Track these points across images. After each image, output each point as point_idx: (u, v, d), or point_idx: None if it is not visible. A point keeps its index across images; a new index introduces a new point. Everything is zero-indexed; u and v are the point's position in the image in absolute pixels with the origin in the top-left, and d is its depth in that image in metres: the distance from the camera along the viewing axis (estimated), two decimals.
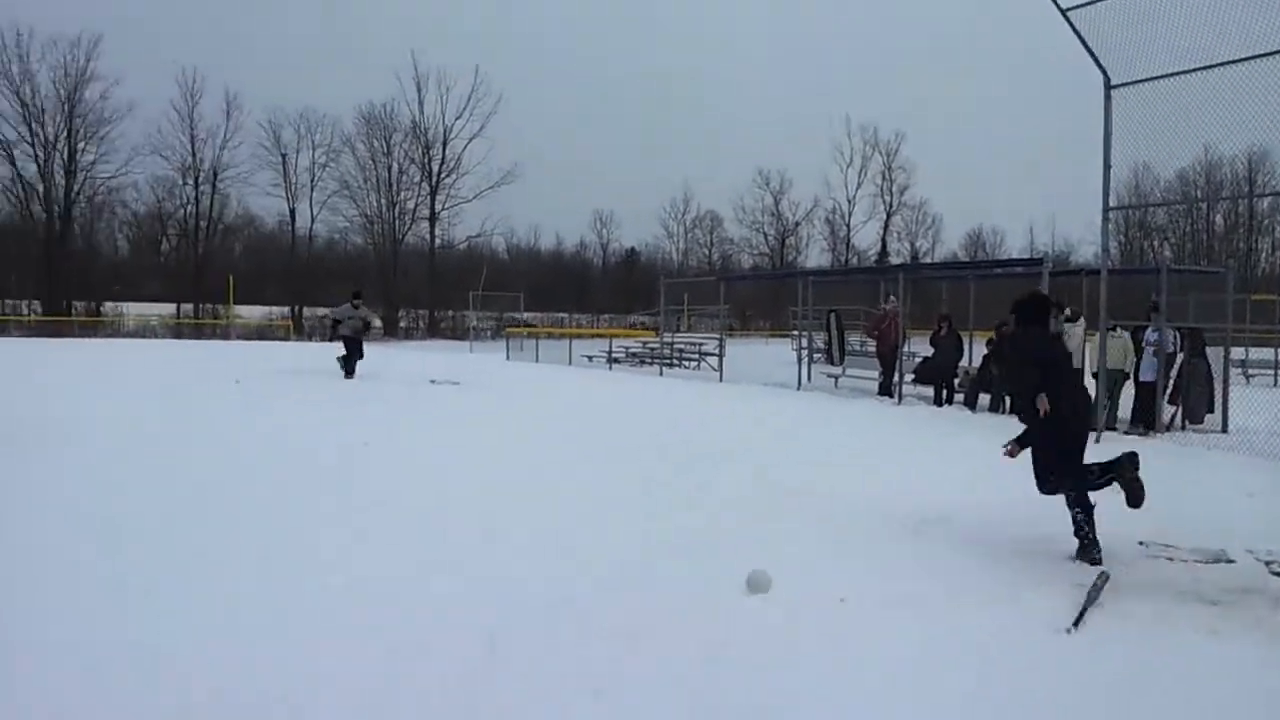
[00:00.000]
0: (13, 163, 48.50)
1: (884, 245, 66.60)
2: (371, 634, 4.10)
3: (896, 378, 16.28)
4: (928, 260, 58.76)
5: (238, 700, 3.40)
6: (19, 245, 49.21)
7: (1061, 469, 5.88)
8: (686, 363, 26.02)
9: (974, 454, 9.93)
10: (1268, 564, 5.82)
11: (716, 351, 23.15)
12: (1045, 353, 6.00)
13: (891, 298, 17.20)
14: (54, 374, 17.60)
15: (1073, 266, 30.40)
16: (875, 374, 18.60)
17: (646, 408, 14.66)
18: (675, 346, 26.96)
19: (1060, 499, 5.90)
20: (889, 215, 66.98)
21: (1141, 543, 6.27)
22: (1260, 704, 3.69)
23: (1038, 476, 6.01)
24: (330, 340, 19.06)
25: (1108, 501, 7.38)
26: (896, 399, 15.78)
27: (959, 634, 4.36)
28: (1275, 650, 4.31)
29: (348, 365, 18.05)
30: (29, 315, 46.28)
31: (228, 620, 4.25)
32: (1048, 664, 4.03)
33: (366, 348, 18.55)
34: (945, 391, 15.69)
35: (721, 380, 20.41)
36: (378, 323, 18.42)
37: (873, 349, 18.07)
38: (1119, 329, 13.06)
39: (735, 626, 4.34)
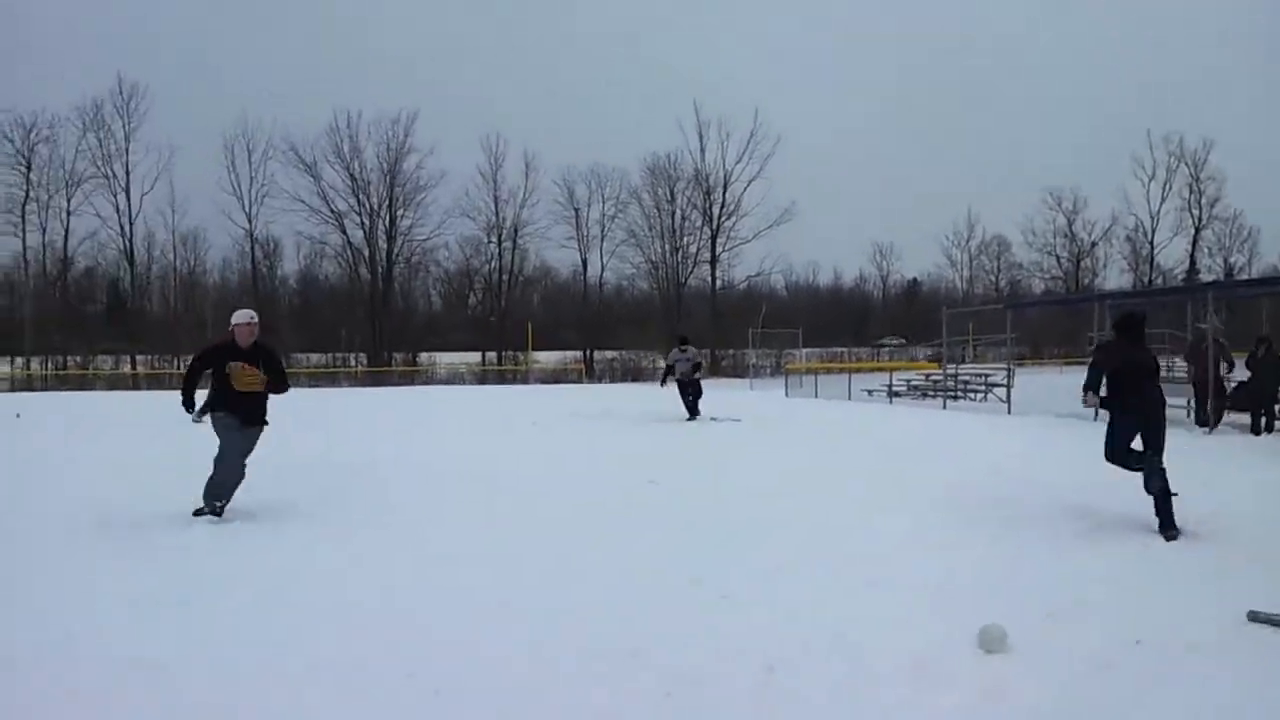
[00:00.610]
0: (343, 231, 54.54)
1: (1192, 262, 61.53)
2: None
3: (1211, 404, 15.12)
4: (1243, 276, 53.66)
5: None
6: (348, 304, 55.24)
7: None
8: (972, 394, 25.20)
9: None
10: None
11: (1004, 382, 22.32)
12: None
13: (1210, 315, 15.97)
14: (382, 418, 19.44)
15: None
16: (1186, 402, 17.39)
17: (928, 442, 14.41)
18: (960, 378, 26.18)
19: None
20: (1198, 230, 61.84)
21: None
22: None
23: None
24: (662, 385, 19.83)
25: None
26: (1209, 428, 14.64)
27: None
28: None
29: (690, 406, 18.47)
30: (356, 367, 51.31)
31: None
32: None
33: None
34: (1264, 418, 14.44)
35: (1010, 412, 19.64)
36: (703, 363, 19.13)
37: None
38: None
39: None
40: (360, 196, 53.92)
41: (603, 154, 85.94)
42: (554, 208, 57.36)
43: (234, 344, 7.85)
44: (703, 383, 18.85)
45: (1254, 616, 4.77)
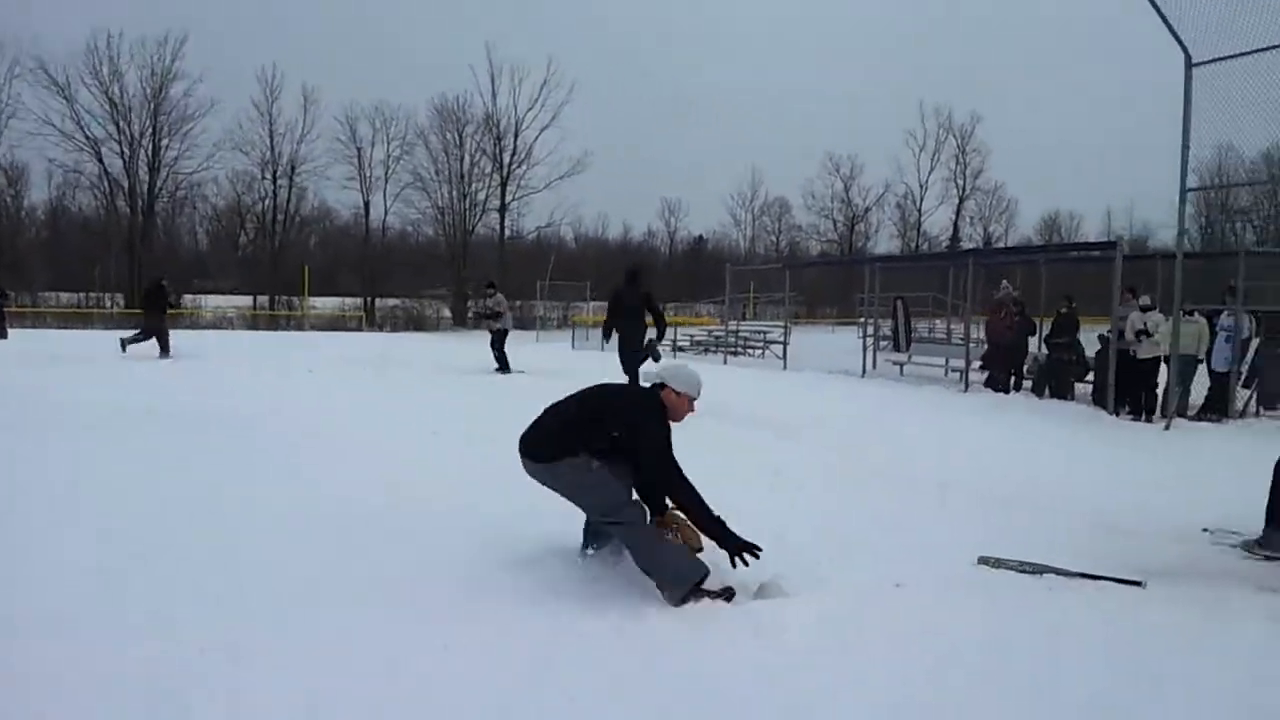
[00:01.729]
0: (100, 160, 49.91)
1: (956, 230, 65.54)
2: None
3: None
4: (1000, 245, 57.65)
5: None
6: (104, 240, 50.81)
7: None
8: (751, 350, 25.96)
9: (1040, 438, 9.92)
10: None
11: (781, 339, 23.07)
12: None
13: (1004, 283, 16.42)
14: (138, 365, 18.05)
15: (1149, 251, 29.69)
16: (943, 362, 18.41)
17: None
18: (740, 334, 26.91)
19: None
20: (962, 199, 65.85)
21: (1205, 530, 6.20)
22: None
23: None
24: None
25: (1175, 490, 7.31)
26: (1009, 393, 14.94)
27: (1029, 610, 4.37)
28: None
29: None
30: (112, 308, 47.67)
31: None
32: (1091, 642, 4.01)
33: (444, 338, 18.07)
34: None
35: (785, 368, 20.33)
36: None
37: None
38: (1195, 313, 12.75)
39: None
40: (120, 123, 49.42)
41: (389, 93, 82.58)
42: (334, 145, 54.58)
43: None
44: (450, 333, 17.77)
45: (983, 560, 5.25)
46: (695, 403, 4.84)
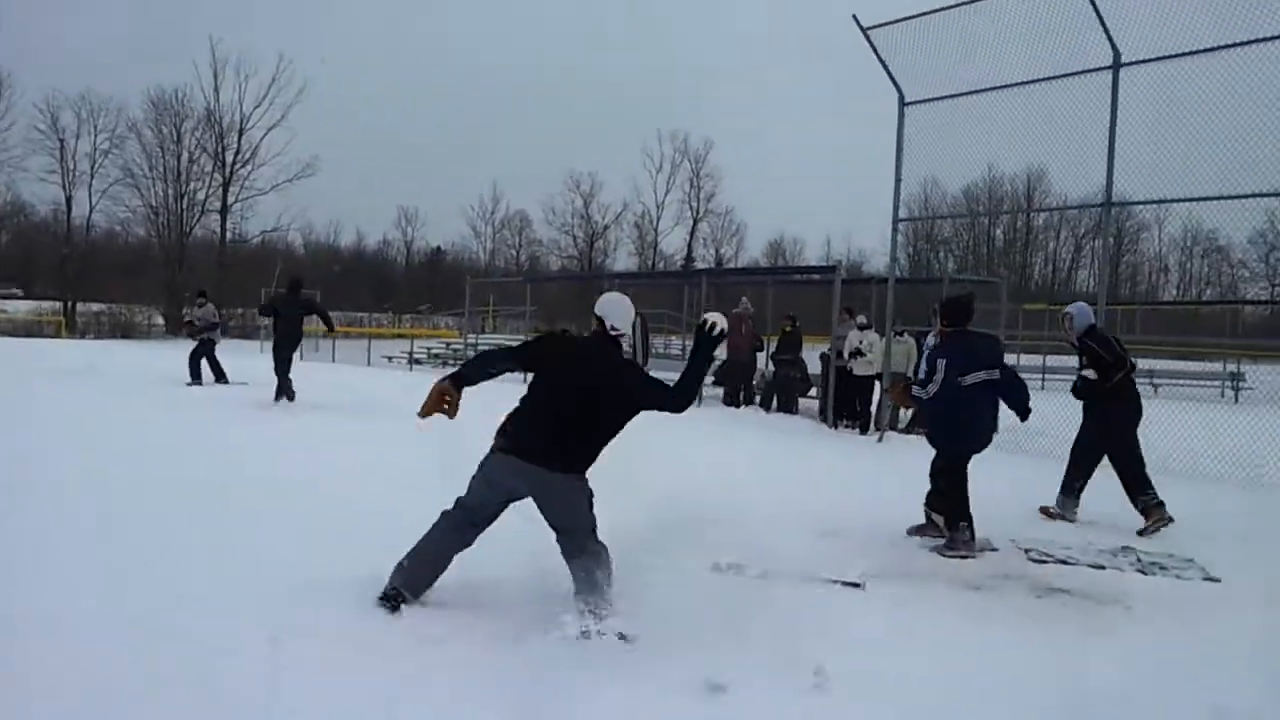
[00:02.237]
0: None
1: (690, 251, 67.93)
2: None
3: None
4: (731, 266, 60.26)
5: None
6: None
7: None
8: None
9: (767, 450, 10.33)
10: (1026, 551, 6.22)
11: None
12: None
13: (744, 299, 16.78)
14: None
15: (864, 275, 31.88)
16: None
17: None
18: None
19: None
20: (696, 221, 68.29)
21: (910, 532, 6.62)
22: (1008, 681, 3.91)
23: None
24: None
25: (888, 497, 7.78)
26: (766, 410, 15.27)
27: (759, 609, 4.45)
28: (1030, 632, 4.58)
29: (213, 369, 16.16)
30: None
31: None
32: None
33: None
34: (743, 392, 16.06)
35: (525, 380, 20.22)
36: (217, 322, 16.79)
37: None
38: (905, 334, 13.71)
39: None
40: None
41: (97, 81, 76.13)
42: (33, 135, 49.60)
43: None
44: (160, 341, 16.32)
45: (716, 566, 5.42)
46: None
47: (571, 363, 4.65)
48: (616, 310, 4.83)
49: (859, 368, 13.56)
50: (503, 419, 4.62)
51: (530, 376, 4.82)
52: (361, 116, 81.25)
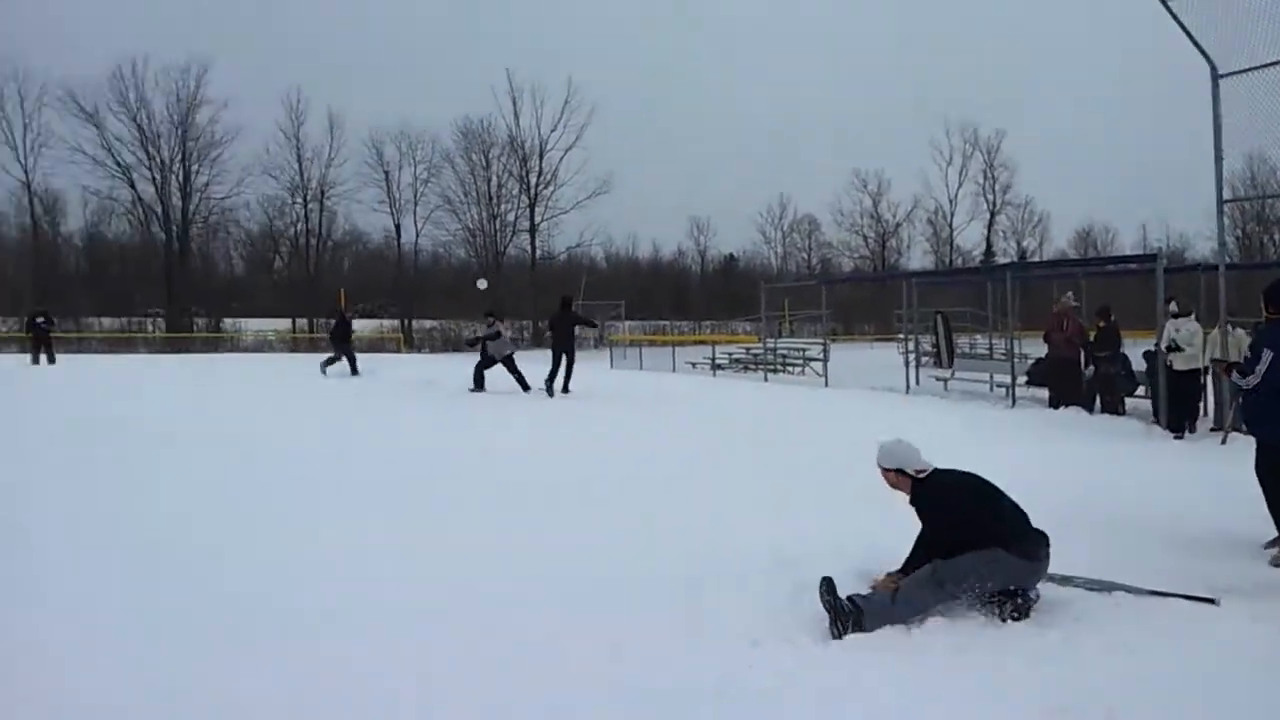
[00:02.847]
0: (132, 185, 50.92)
1: (989, 245, 65.37)
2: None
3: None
4: (1035, 259, 57.43)
5: None
6: (141, 264, 51.80)
7: None
8: (790, 368, 26.05)
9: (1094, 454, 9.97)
10: None
11: (820, 356, 23.14)
12: None
13: (1068, 294, 15.73)
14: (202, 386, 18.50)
15: (1188, 262, 29.50)
16: (989, 378, 18.40)
17: (754, 409, 14.78)
18: (779, 352, 27.01)
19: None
20: (993, 214, 65.78)
21: (1269, 546, 6.22)
22: None
23: None
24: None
25: (1237, 506, 7.28)
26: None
27: (1099, 628, 4.47)
28: None
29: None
30: (154, 332, 48.44)
31: None
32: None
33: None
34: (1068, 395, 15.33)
35: (827, 385, 20.39)
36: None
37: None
38: (1236, 326, 12.69)
39: None
40: (149, 149, 50.42)
41: (411, 114, 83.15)
42: (363, 169, 55.47)
43: None
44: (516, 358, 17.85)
45: (1049, 578, 5.21)
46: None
47: None
48: (904, 455, 5.04)
49: (1179, 362, 12.58)
50: None
51: None
52: (651, 132, 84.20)
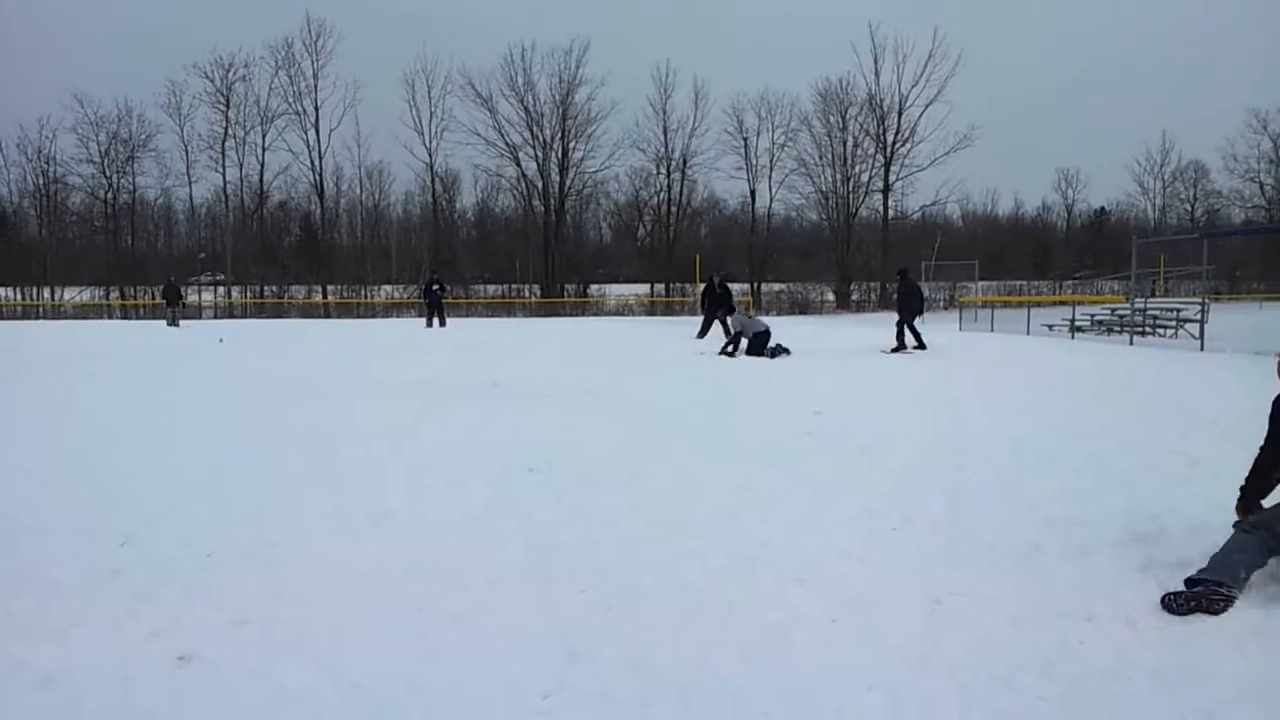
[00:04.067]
0: (518, 163, 55.81)
1: None
2: None
3: None
4: None
5: None
6: (521, 237, 56.69)
7: None
8: (1161, 330, 23.98)
9: None
10: None
11: (1197, 317, 21.12)
12: None
13: None
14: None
15: None
16: None
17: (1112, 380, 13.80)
18: (1148, 313, 24.92)
19: None
20: None
21: None
22: None
23: None
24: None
25: None
26: None
27: None
28: None
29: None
30: (529, 298, 52.82)
31: None
32: None
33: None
34: None
35: (1203, 349, 18.58)
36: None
37: None
38: None
39: None
40: (534, 129, 54.96)
41: (774, 80, 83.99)
42: (723, 137, 57.10)
43: None
44: (831, 316, 17.83)
45: None
46: None
47: None
48: None
49: None
50: None
51: None
52: (1019, 78, 79.67)
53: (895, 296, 18.42)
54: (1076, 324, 25.72)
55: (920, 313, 18.13)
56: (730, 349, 17.20)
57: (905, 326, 17.75)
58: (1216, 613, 4.05)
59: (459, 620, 4.06)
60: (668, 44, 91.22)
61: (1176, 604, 4.10)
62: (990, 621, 4.06)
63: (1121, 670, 3.60)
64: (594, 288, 55.77)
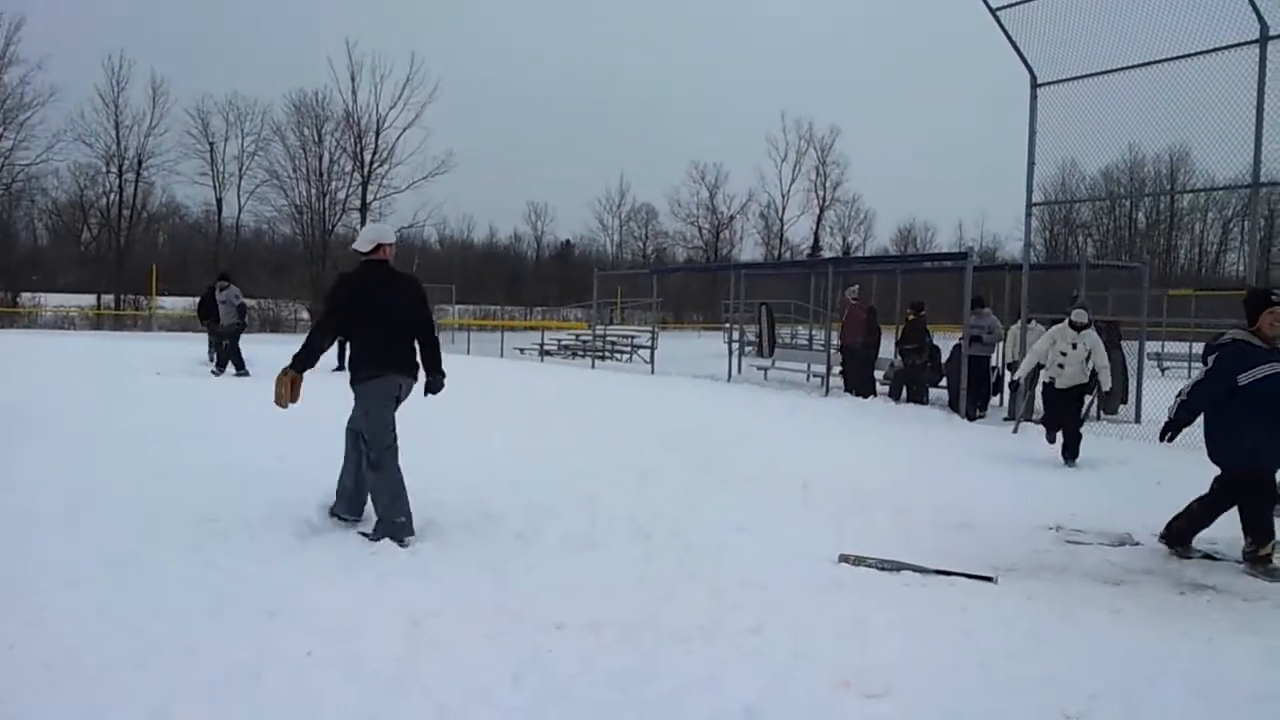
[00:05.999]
0: None
1: (816, 239, 67.11)
2: None
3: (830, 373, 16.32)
4: (859, 254, 59.34)
5: None
6: None
7: None
8: (619, 355, 26.06)
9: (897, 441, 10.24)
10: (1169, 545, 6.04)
11: (648, 344, 23.20)
12: None
13: (853, 287, 16.45)
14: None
15: (998, 261, 31.02)
16: (805, 367, 18.78)
17: (579, 397, 14.62)
18: (608, 339, 26.98)
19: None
20: (822, 210, 67.41)
21: (1052, 528, 6.49)
22: (1146, 680, 3.80)
23: None
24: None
25: (1024, 490, 7.65)
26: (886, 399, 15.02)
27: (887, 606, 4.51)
28: (1167, 626, 4.47)
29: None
30: None
31: None
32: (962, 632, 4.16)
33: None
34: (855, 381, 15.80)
35: (653, 373, 20.42)
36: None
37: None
38: (1036, 321, 13.37)
39: None
40: None
41: (243, 85, 79.60)
42: (186, 140, 52.30)
43: None
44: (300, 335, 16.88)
45: (843, 558, 5.46)
46: None
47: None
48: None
49: (975, 350, 13.65)
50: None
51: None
52: (492, 113, 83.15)
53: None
54: (545, 348, 27.14)
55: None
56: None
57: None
58: None
59: None
60: (121, 31, 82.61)
61: None
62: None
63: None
64: (26, 296, 48.22)
